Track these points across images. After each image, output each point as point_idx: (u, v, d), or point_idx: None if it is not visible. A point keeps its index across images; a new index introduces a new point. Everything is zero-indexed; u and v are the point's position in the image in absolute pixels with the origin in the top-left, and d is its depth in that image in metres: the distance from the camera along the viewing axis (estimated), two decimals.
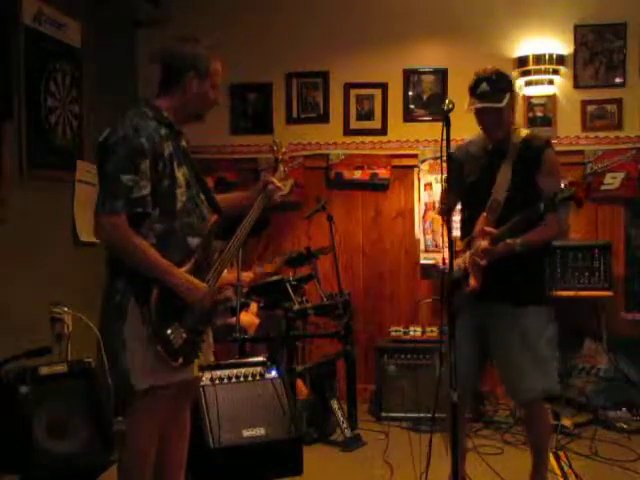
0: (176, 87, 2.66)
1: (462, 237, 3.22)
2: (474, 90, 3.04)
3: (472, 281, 3.00)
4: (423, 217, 5.20)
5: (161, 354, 2.51)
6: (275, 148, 3.05)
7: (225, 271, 4.90)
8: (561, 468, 3.79)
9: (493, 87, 3.00)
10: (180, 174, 2.62)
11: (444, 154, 2.71)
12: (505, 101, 3.01)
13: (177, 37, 2.75)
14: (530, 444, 3.28)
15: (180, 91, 2.65)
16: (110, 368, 3.69)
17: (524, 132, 3.16)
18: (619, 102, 5.04)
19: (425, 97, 5.27)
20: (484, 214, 3.05)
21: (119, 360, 2.54)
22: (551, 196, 2.81)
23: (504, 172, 3.07)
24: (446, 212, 3.16)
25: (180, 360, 2.57)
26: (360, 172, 5.28)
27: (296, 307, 4.28)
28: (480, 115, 3.07)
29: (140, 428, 2.63)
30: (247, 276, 4.83)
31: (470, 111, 3.06)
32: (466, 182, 3.16)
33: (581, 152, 5.05)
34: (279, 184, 2.91)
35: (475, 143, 3.23)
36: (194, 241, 2.64)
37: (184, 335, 2.58)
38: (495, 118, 3.05)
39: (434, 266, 5.05)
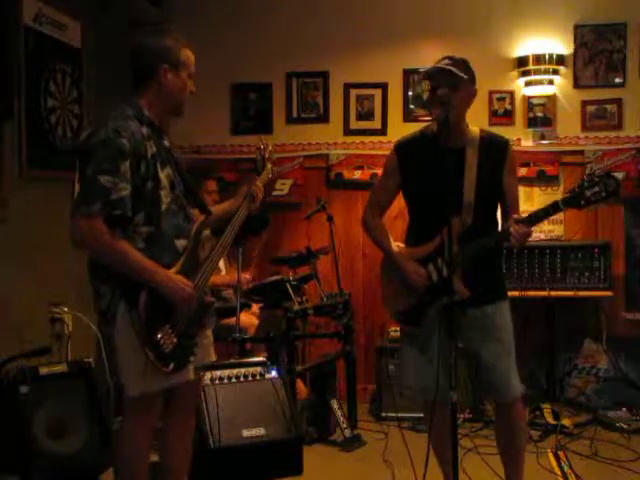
0: (151, 83, 2.59)
1: (416, 242, 3.04)
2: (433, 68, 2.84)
3: (463, 288, 2.79)
4: None
5: (151, 359, 2.45)
6: (262, 147, 3.06)
7: (224, 272, 4.88)
8: (561, 468, 3.78)
9: (454, 63, 2.85)
10: (164, 175, 2.56)
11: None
12: (466, 76, 2.81)
13: (143, 31, 2.67)
14: (507, 448, 3.03)
15: (156, 86, 2.59)
16: (110, 369, 3.72)
17: (475, 128, 2.92)
18: (619, 102, 5.04)
19: (425, 97, 5.26)
20: (456, 217, 2.75)
21: (115, 363, 2.55)
22: (576, 191, 2.64)
23: (469, 170, 2.82)
24: (379, 214, 3.13)
25: (171, 366, 2.52)
26: (360, 172, 5.28)
27: (296, 307, 4.27)
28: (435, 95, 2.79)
29: (132, 432, 2.62)
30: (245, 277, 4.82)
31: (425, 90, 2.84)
32: (418, 184, 2.95)
33: (581, 152, 5.05)
34: (261, 186, 2.91)
35: (420, 139, 2.95)
36: (181, 243, 2.60)
37: (175, 340, 2.53)
38: (463, 96, 2.80)
39: None
